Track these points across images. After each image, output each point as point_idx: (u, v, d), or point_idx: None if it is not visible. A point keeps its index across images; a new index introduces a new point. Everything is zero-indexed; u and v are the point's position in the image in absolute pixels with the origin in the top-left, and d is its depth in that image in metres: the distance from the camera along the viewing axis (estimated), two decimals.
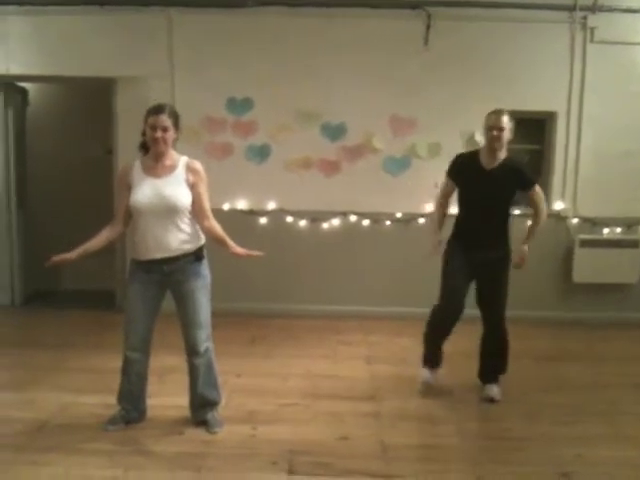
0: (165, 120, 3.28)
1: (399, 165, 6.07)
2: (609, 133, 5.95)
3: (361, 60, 5.94)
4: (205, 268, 3.56)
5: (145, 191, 3.29)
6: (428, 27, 5.87)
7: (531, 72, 5.92)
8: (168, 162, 3.36)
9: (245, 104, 6.05)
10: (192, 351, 3.52)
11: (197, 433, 3.52)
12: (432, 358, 4.16)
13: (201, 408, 3.61)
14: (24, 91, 6.67)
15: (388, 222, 6.11)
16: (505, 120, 3.79)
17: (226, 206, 6.07)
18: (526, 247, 3.99)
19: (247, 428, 3.60)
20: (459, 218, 4.06)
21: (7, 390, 4.14)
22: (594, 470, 3.19)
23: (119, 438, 3.44)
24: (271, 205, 6.12)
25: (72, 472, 3.07)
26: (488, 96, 5.80)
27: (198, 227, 3.47)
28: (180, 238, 3.38)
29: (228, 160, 6.08)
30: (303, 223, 6.14)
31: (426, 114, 5.99)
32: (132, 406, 3.59)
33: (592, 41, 5.90)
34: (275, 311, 6.07)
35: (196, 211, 3.41)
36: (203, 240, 3.53)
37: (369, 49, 5.93)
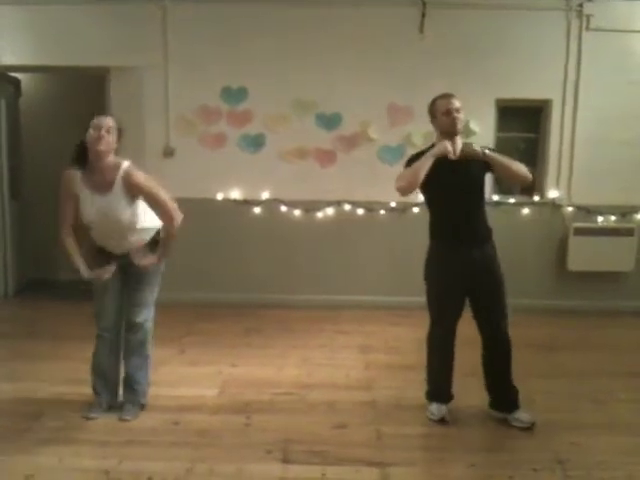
0: (110, 122, 3.29)
1: (394, 154, 6.04)
2: (604, 121, 5.93)
3: (356, 49, 5.91)
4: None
5: (91, 209, 3.33)
6: (423, 15, 5.84)
7: (526, 60, 5.90)
8: (108, 176, 3.30)
9: (240, 93, 6.01)
10: (128, 325, 3.60)
11: (192, 423, 3.51)
12: (442, 391, 3.68)
13: (128, 391, 3.66)
14: (17, 81, 6.62)
15: (382, 211, 6.09)
16: (458, 101, 3.48)
17: (220, 196, 6.05)
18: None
19: (242, 418, 3.59)
20: (437, 220, 3.59)
21: (1, 381, 4.12)
22: (589, 457, 3.19)
23: (114, 429, 3.44)
24: (265, 195, 6.10)
25: (66, 463, 3.06)
26: (483, 84, 5.82)
27: (151, 219, 3.48)
28: (137, 239, 3.46)
29: (222, 150, 6.05)
30: (297, 213, 6.12)
31: (422, 103, 5.90)
32: (106, 387, 3.66)
33: (588, 29, 5.88)
34: (270, 301, 6.06)
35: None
36: (159, 224, 3.54)
37: (364, 38, 5.89)
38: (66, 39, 5.89)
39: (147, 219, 3.45)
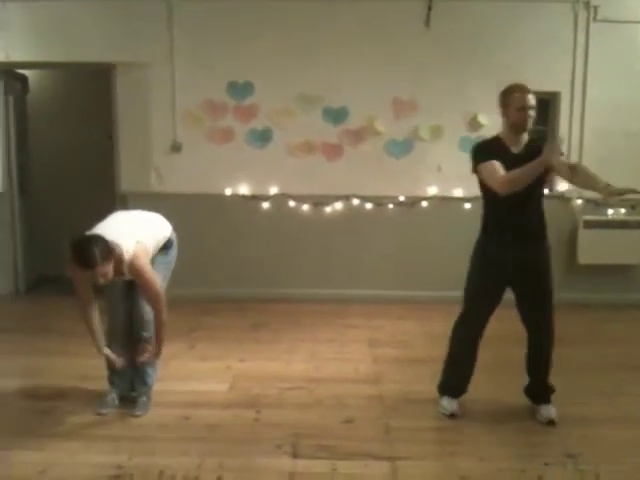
0: (102, 268, 3.18)
1: (401, 148, 6.03)
2: (613, 113, 5.88)
3: (362, 42, 5.88)
4: (166, 256, 3.74)
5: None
6: (429, 8, 5.81)
7: (534, 52, 5.86)
8: (117, 272, 3.35)
9: (246, 88, 6.00)
10: (138, 321, 3.66)
11: (202, 418, 3.52)
12: (457, 385, 3.67)
13: (139, 383, 3.69)
14: (24, 78, 6.64)
15: (391, 205, 6.08)
16: (534, 98, 3.43)
17: (228, 191, 6.05)
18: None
19: (251, 412, 3.60)
20: (493, 213, 3.51)
21: (12, 377, 4.16)
22: (599, 451, 3.19)
23: (124, 424, 3.46)
24: (273, 190, 6.09)
25: (78, 458, 3.08)
26: (490, 77, 5.76)
27: (158, 234, 3.65)
28: None
29: (229, 144, 6.05)
30: (305, 207, 6.11)
31: (428, 96, 5.94)
32: (122, 378, 3.69)
33: (595, 20, 5.83)
34: (278, 296, 6.06)
35: None
36: (169, 233, 3.75)
37: (370, 31, 5.87)
38: (72, 35, 5.89)
39: (157, 243, 3.63)
